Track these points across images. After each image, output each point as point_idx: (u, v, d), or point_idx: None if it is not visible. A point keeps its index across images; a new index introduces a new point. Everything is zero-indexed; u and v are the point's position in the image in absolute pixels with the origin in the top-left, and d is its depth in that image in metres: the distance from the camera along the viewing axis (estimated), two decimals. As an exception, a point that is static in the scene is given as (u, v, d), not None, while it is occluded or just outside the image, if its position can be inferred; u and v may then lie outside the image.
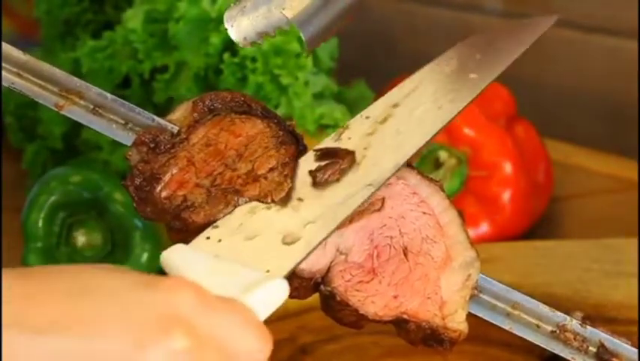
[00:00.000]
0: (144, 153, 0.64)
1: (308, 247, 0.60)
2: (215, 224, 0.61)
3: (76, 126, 1.00)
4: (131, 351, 0.49)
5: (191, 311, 0.51)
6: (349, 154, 0.65)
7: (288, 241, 0.60)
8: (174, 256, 0.57)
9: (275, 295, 0.56)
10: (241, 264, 0.57)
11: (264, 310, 0.55)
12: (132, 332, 0.49)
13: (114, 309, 0.50)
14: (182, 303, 0.51)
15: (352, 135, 0.66)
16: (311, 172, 0.64)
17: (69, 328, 0.49)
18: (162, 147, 0.65)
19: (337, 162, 0.64)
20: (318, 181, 0.63)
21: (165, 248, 0.91)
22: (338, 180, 0.64)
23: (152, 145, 0.65)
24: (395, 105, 0.68)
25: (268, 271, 0.57)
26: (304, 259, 0.59)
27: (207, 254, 0.58)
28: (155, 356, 0.49)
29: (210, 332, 0.51)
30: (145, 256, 0.90)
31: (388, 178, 0.64)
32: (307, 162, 0.65)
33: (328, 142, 0.66)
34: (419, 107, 0.67)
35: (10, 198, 1.04)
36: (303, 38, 0.63)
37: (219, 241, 0.60)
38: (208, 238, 0.60)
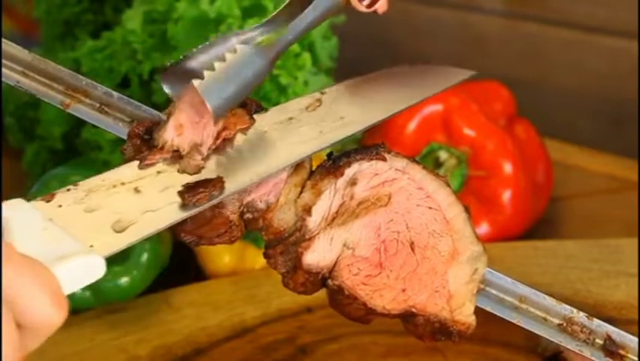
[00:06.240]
0: (137, 146, 0.64)
1: (138, 235, 0.58)
2: (67, 187, 0.60)
3: (76, 126, 0.99)
4: None
5: None
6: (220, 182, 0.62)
7: (122, 225, 0.58)
8: (10, 208, 0.57)
9: (88, 271, 0.55)
10: (69, 234, 0.56)
11: (72, 283, 0.54)
12: None
13: None
14: None
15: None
16: (180, 193, 0.61)
17: None
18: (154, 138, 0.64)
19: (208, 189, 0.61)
20: (186, 203, 0.60)
21: (165, 247, 0.92)
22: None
23: (146, 137, 0.64)
24: (290, 119, 0.66)
25: (92, 247, 0.56)
26: (132, 243, 0.58)
27: (42, 215, 0.57)
28: None
29: (3, 283, 0.51)
30: (145, 256, 0.90)
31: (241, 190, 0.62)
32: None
33: None
34: (304, 125, 0.66)
35: (10, 199, 1.04)
36: (209, 108, 0.61)
37: (60, 206, 0.59)
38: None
